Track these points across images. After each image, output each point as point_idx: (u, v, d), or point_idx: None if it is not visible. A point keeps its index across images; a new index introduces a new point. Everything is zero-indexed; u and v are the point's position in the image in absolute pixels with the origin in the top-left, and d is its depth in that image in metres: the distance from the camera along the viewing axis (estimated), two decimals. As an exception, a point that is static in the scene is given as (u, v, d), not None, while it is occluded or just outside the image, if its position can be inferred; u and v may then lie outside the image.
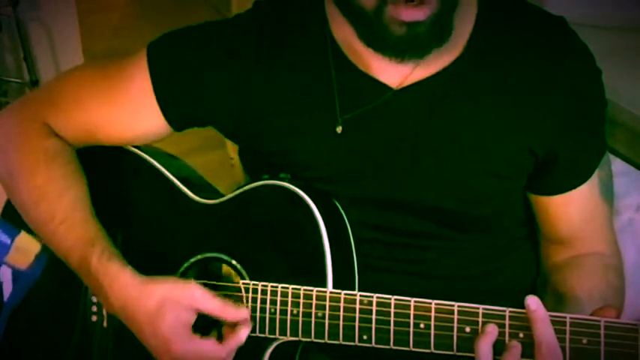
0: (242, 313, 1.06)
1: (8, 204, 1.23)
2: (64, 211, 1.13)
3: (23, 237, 1.22)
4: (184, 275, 1.14)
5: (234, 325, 1.06)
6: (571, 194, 1.12)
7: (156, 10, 4.23)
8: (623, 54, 1.98)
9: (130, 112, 1.16)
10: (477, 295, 1.12)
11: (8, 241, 1.23)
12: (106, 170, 1.23)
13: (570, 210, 1.14)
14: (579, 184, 1.12)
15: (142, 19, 4.20)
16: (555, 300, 1.12)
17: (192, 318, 1.05)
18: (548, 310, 0.96)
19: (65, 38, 2.85)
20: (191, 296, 1.05)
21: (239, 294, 1.09)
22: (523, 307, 0.96)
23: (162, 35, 1.18)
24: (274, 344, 1.07)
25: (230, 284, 1.11)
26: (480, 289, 1.14)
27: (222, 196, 1.17)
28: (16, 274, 1.24)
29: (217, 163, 1.90)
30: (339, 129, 1.09)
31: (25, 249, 1.23)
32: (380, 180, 1.10)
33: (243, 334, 1.05)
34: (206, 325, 1.08)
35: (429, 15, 0.96)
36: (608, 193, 1.15)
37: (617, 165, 1.22)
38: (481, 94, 1.07)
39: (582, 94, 1.08)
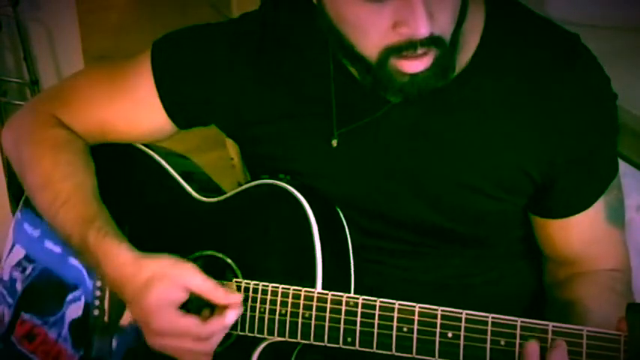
0: (233, 297, 1.05)
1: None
2: (67, 193, 1.14)
3: None
4: None
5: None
6: (571, 219, 1.09)
7: (156, 10, 4.22)
8: (623, 54, 1.98)
9: (135, 110, 1.18)
10: (469, 306, 1.11)
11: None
12: (115, 166, 1.24)
13: (570, 234, 1.11)
14: (580, 211, 1.09)
15: (142, 19, 4.20)
16: (562, 313, 1.10)
17: (182, 297, 1.04)
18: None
19: (65, 38, 2.85)
20: (183, 275, 1.04)
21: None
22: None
23: (166, 34, 1.19)
24: (264, 344, 1.07)
25: (224, 282, 1.11)
26: (474, 300, 1.12)
27: (224, 194, 1.17)
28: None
29: (217, 162, 1.90)
30: (334, 142, 1.09)
31: None
32: (372, 194, 1.10)
33: (229, 316, 1.03)
34: (199, 308, 1.07)
35: (430, 64, 0.96)
36: (616, 217, 1.11)
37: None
38: (480, 114, 1.05)
39: (589, 120, 1.04)
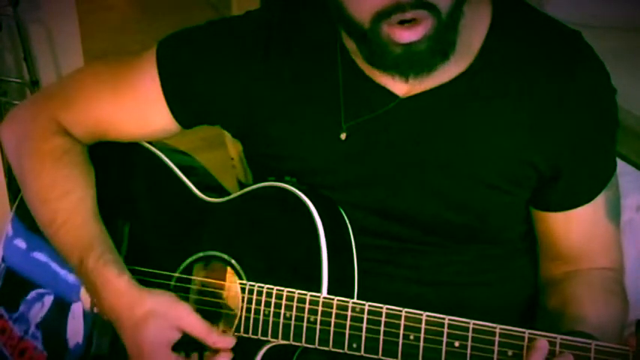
0: (226, 341, 1.06)
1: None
2: (65, 214, 1.14)
3: None
4: (188, 271, 1.15)
5: (217, 351, 1.06)
6: (573, 212, 1.11)
7: (156, 10, 4.23)
8: (623, 54, 1.99)
9: (138, 109, 1.17)
10: (472, 304, 1.12)
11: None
12: (118, 163, 1.24)
13: (571, 228, 1.12)
14: (582, 204, 1.10)
15: (142, 19, 4.21)
16: (557, 314, 1.11)
17: (175, 336, 1.06)
18: (548, 324, 0.95)
19: (65, 38, 2.85)
20: (178, 315, 1.06)
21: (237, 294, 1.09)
22: (518, 320, 0.96)
23: (171, 34, 1.19)
24: (267, 346, 1.07)
25: (227, 283, 1.11)
26: (477, 298, 1.14)
27: (229, 193, 1.17)
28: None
29: (217, 163, 1.90)
30: (342, 136, 1.09)
31: None
32: (380, 189, 1.10)
33: None
34: (190, 347, 1.08)
35: (424, 34, 0.96)
36: (614, 213, 1.13)
37: (617, 165, 1.22)
38: (488, 107, 1.06)
39: (592, 114, 1.06)
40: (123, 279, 1.09)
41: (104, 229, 1.15)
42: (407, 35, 0.96)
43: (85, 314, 1.21)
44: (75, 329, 1.21)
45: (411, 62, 0.98)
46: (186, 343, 1.08)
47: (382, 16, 0.95)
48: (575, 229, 1.12)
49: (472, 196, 1.08)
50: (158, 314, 1.06)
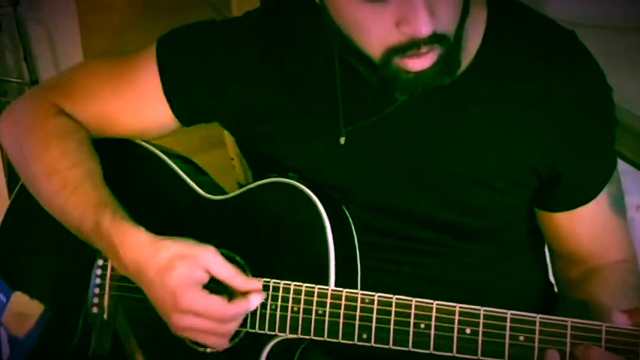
0: (252, 283, 1.05)
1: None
2: (77, 180, 1.13)
3: (18, 297, 1.21)
4: None
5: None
6: (577, 211, 1.11)
7: (156, 10, 4.23)
8: (623, 54, 1.99)
9: (138, 105, 1.17)
10: (477, 302, 1.12)
11: (4, 299, 1.21)
12: (118, 162, 1.23)
13: (578, 226, 1.12)
14: (585, 202, 1.10)
15: (142, 19, 4.20)
16: (579, 312, 1.10)
17: (204, 278, 1.04)
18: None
19: (65, 38, 2.85)
20: (205, 256, 1.04)
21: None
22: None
23: (171, 30, 1.19)
24: (273, 341, 1.07)
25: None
26: (481, 295, 1.14)
27: (227, 194, 1.17)
28: (13, 340, 1.21)
29: (217, 163, 1.90)
30: (342, 140, 1.09)
31: (21, 313, 1.20)
32: (381, 190, 1.10)
33: (253, 300, 1.04)
34: (216, 292, 1.06)
35: (435, 61, 0.97)
36: (619, 207, 1.13)
37: (617, 165, 1.23)
38: (486, 108, 1.06)
39: (589, 113, 1.06)
40: (141, 230, 1.07)
41: (113, 195, 1.14)
42: (419, 64, 0.97)
43: (11, 339, 1.20)
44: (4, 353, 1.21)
45: (419, 85, 0.99)
46: (212, 289, 1.05)
47: (396, 52, 0.96)
48: (582, 227, 1.12)
49: (472, 196, 1.08)
50: (184, 255, 1.04)
